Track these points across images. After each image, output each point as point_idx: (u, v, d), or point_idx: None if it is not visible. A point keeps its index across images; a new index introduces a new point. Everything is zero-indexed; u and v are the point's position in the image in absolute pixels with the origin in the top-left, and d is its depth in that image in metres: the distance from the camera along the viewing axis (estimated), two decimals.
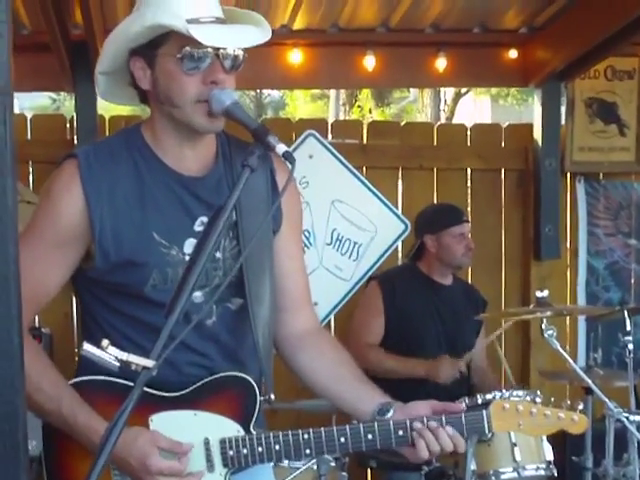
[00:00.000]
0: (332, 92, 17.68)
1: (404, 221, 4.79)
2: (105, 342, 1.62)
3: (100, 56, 2.06)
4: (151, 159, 2.03)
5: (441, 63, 4.80)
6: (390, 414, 2.03)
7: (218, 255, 2.03)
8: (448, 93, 16.59)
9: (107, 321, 2.04)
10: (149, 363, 1.62)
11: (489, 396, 3.29)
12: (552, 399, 2.10)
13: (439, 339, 4.17)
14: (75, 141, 4.73)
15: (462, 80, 5.32)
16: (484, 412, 2.02)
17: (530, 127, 5.09)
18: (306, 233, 4.90)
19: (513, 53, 4.86)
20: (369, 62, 4.75)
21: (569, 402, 2.07)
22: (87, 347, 1.63)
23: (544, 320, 3.14)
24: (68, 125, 4.85)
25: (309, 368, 2.17)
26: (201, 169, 2.06)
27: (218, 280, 2.03)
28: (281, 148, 1.79)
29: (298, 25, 4.62)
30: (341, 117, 17.03)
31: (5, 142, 1.58)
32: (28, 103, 14.97)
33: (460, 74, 4.90)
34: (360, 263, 4.96)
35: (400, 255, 5.08)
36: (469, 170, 5.17)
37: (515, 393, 3.30)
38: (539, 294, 3.24)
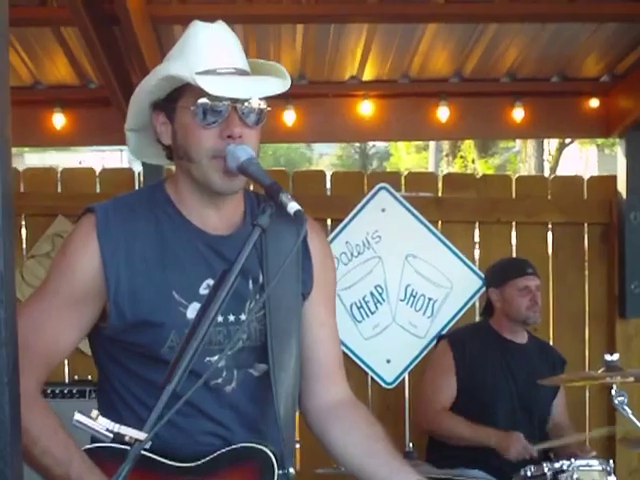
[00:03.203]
0: (432, 143, 17.60)
1: (481, 277, 4.62)
2: (94, 412, 1.53)
3: (128, 112, 2.00)
4: (174, 216, 1.95)
5: (518, 113, 4.65)
6: None
7: (243, 317, 1.92)
8: (552, 143, 16.25)
9: (121, 382, 1.95)
10: (141, 435, 1.52)
11: (557, 465, 3.08)
12: None
13: (512, 401, 3.95)
14: None
15: (541, 131, 5.13)
16: None
17: (614, 179, 4.87)
18: (379, 289, 4.78)
19: (594, 102, 4.68)
20: (442, 113, 4.63)
21: None
22: (78, 417, 1.54)
23: (614, 386, 2.92)
24: (137, 179, 4.87)
25: (341, 441, 2.03)
26: (227, 228, 1.96)
27: (242, 344, 1.93)
28: (292, 207, 1.67)
29: (368, 76, 4.55)
30: (443, 168, 16.94)
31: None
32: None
33: (539, 125, 4.76)
34: (435, 320, 4.82)
35: (478, 312, 4.89)
36: (550, 224, 4.96)
37: (586, 462, 3.09)
38: (608, 358, 3.01)
